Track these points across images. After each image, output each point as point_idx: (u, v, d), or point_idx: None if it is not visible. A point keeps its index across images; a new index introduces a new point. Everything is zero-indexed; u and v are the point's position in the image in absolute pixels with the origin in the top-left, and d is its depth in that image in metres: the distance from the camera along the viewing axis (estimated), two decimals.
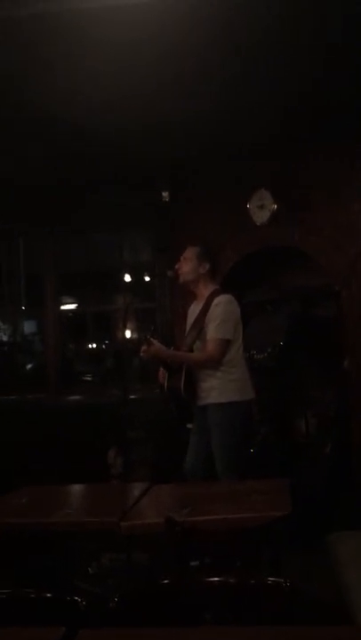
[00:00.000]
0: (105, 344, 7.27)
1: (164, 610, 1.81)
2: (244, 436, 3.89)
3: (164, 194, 5.24)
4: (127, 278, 6.15)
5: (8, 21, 3.10)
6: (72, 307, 6.76)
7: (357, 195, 4.68)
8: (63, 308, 6.28)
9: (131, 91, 3.85)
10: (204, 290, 3.91)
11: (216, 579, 1.87)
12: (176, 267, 3.96)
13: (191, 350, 3.86)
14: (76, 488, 3.50)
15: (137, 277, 6.36)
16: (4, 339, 6.45)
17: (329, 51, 3.55)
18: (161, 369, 3.91)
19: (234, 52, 3.52)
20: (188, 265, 3.90)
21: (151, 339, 3.72)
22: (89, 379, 6.62)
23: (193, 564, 2.70)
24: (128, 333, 6.11)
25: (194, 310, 3.99)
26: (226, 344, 3.76)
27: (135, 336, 5.98)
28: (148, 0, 2.98)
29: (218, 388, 3.75)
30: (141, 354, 3.77)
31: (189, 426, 4.02)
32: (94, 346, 6.97)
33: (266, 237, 5.06)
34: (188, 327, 4.01)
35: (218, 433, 3.74)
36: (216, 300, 3.81)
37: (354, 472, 4.51)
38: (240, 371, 3.81)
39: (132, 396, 4.57)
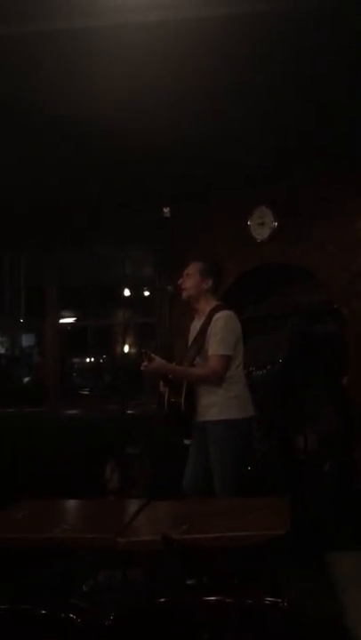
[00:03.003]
0: (104, 358, 7.26)
1: (160, 629, 1.78)
2: (244, 453, 3.86)
3: (165, 210, 5.26)
4: (127, 293, 6.16)
5: (10, 39, 3.13)
6: (71, 320, 6.76)
7: (359, 211, 4.69)
8: (62, 321, 6.27)
9: (134, 110, 3.88)
10: (206, 306, 3.90)
11: (214, 598, 1.85)
12: (179, 282, 3.95)
13: (192, 366, 3.84)
14: (73, 503, 3.47)
15: (137, 292, 6.36)
16: (3, 352, 6.43)
17: (332, 72, 3.58)
18: (161, 384, 3.89)
19: (237, 75, 3.55)
20: (190, 281, 3.89)
21: (152, 354, 3.71)
22: (87, 393, 6.60)
23: (190, 582, 2.67)
24: (127, 348, 6.10)
25: (195, 326, 3.97)
26: (227, 360, 3.74)
27: (134, 351, 5.97)
28: (149, 22, 3.01)
29: (218, 405, 3.72)
30: (142, 369, 3.75)
31: (187, 442, 3.99)
32: (93, 360, 6.96)
33: (266, 254, 5.07)
34: (189, 342, 4.00)
35: (217, 450, 3.71)
36: (217, 316, 3.79)
37: (354, 490, 4.48)
38: (240, 388, 3.79)
39: (130, 411, 4.55)
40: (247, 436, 3.84)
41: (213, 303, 3.90)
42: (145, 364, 3.70)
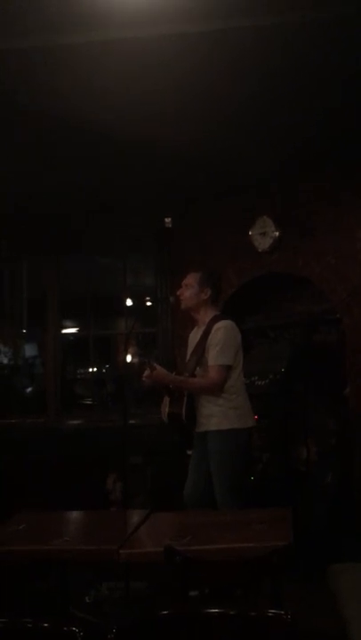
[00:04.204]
0: (106, 368, 7.26)
1: None
2: (244, 463, 3.85)
3: (167, 219, 5.27)
4: (129, 303, 6.16)
5: (14, 53, 3.16)
6: (73, 330, 6.76)
7: (360, 222, 4.70)
8: (64, 331, 6.27)
9: (134, 120, 3.90)
10: (205, 316, 3.90)
11: (216, 610, 1.84)
12: (178, 293, 3.96)
13: (193, 376, 3.84)
14: (75, 515, 3.47)
15: (139, 302, 6.37)
16: (5, 362, 6.43)
17: (333, 84, 3.60)
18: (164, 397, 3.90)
19: (237, 85, 3.57)
20: (189, 291, 3.89)
21: (154, 364, 3.71)
22: (89, 403, 6.60)
23: (192, 593, 2.67)
24: (129, 358, 6.10)
25: (194, 336, 3.97)
26: (227, 370, 3.74)
27: (136, 360, 5.97)
28: (149, 36, 3.04)
29: (218, 416, 3.72)
30: (144, 379, 3.75)
31: (190, 452, 3.99)
32: (95, 370, 6.96)
33: (268, 264, 5.08)
34: (188, 352, 4.00)
35: (218, 460, 3.70)
36: (217, 326, 3.79)
37: (356, 502, 4.46)
38: (241, 398, 3.78)
39: (132, 422, 4.54)
40: (247, 447, 3.83)
41: (213, 313, 3.90)
42: (147, 373, 3.70)
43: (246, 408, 3.79)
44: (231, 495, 3.62)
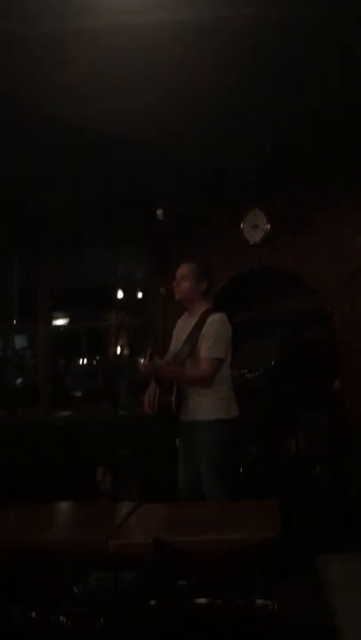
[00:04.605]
0: (96, 360, 7.25)
1: (150, 631, 1.78)
2: (232, 454, 3.88)
3: (158, 212, 5.25)
4: (120, 295, 6.15)
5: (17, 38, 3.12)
6: (64, 322, 6.74)
7: (351, 217, 4.71)
8: (55, 323, 6.26)
9: (128, 113, 3.89)
10: (199, 307, 3.93)
11: (204, 600, 1.86)
12: (174, 284, 3.96)
13: (182, 365, 3.86)
14: (64, 506, 3.48)
15: (130, 294, 6.36)
16: None
17: (329, 76, 3.60)
18: (151, 386, 3.91)
19: (233, 79, 3.56)
20: (186, 283, 3.92)
21: (156, 356, 3.77)
22: (79, 395, 6.59)
23: (180, 582, 2.68)
24: (119, 350, 6.09)
25: (184, 324, 4.00)
26: (218, 363, 3.77)
27: (127, 353, 5.96)
28: (146, 25, 3.02)
29: (206, 405, 3.77)
30: (141, 368, 3.78)
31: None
32: (85, 362, 6.94)
33: (259, 257, 5.08)
34: (175, 340, 4.03)
35: (206, 451, 3.74)
36: (210, 319, 3.82)
37: (344, 494, 4.49)
38: (227, 389, 3.84)
39: (123, 413, 4.54)
40: (233, 436, 3.86)
41: (206, 305, 3.94)
42: (145, 362, 3.74)
43: (231, 398, 3.85)
44: (220, 486, 3.64)
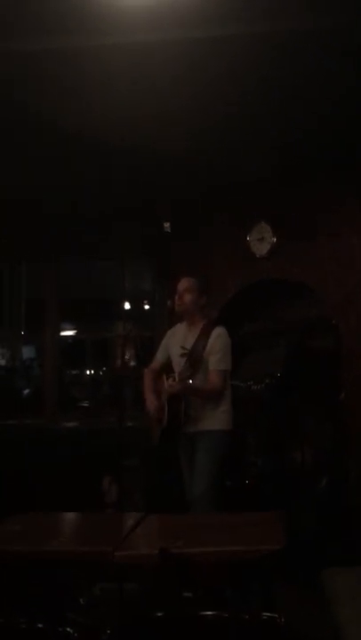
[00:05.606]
0: (103, 371, 7.28)
1: None
2: (224, 465, 3.95)
3: (166, 224, 5.29)
4: (127, 306, 6.18)
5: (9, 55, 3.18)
6: (71, 333, 6.78)
7: (356, 227, 4.73)
8: (62, 333, 6.29)
9: (134, 126, 3.94)
10: (199, 320, 4.01)
11: (210, 612, 1.87)
12: (176, 297, 4.02)
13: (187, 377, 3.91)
14: (70, 516, 3.49)
15: (137, 306, 6.39)
16: (3, 363, 6.45)
17: (332, 87, 3.63)
18: (152, 399, 3.96)
19: (237, 91, 3.60)
20: (189, 297, 4.00)
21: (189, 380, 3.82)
22: (86, 405, 6.61)
23: (187, 594, 2.69)
24: (126, 360, 6.11)
25: (181, 336, 4.04)
26: (226, 375, 3.90)
27: (133, 364, 5.98)
28: (149, 42, 3.07)
29: (209, 418, 3.88)
30: (167, 387, 3.87)
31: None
32: (92, 372, 6.97)
33: (265, 269, 5.10)
34: (166, 349, 4.08)
35: (203, 458, 3.83)
36: (215, 333, 3.92)
37: (350, 506, 4.48)
38: (229, 401, 3.96)
39: (129, 424, 4.57)
40: (230, 448, 3.97)
41: (206, 318, 4.05)
42: (171, 382, 3.79)
43: (231, 410, 3.96)
44: (209, 493, 3.73)
